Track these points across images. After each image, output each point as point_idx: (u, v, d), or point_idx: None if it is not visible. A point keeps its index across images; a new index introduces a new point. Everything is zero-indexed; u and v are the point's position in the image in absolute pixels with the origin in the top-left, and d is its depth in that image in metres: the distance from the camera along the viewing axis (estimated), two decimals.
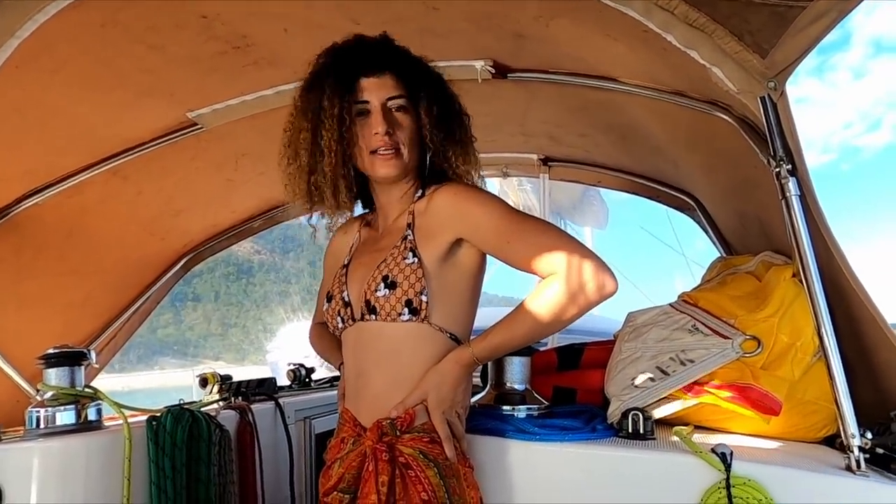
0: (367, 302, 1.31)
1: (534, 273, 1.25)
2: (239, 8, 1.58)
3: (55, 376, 1.63)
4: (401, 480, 1.22)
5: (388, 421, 1.27)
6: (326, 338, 1.70)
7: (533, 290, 1.23)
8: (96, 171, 2.04)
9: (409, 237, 1.33)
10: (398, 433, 1.26)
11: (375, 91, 1.33)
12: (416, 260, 1.29)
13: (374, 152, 1.34)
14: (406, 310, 1.28)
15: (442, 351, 1.30)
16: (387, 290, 1.29)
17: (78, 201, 2.11)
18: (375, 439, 1.25)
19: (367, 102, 1.33)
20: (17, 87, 1.57)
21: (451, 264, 1.33)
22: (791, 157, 1.22)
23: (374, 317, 1.31)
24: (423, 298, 1.28)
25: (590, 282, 1.17)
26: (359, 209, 1.56)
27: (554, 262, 1.20)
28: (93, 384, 1.74)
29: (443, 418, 1.27)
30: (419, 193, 1.40)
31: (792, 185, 1.22)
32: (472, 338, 1.35)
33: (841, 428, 1.19)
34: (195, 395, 2.28)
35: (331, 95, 1.32)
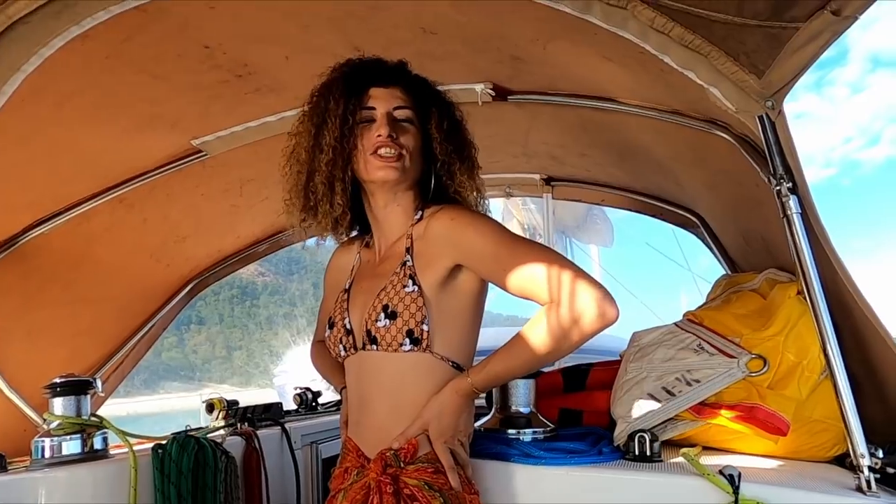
0: (368, 332, 1.31)
1: (532, 300, 1.23)
2: (240, 37, 1.60)
3: (61, 405, 1.64)
4: None
5: (392, 452, 1.26)
6: (328, 357, 1.67)
7: (534, 316, 1.22)
8: (102, 200, 2.06)
9: (408, 263, 1.32)
10: (402, 464, 1.25)
11: (384, 100, 1.35)
12: (416, 288, 1.28)
13: (374, 153, 1.31)
14: (407, 339, 1.27)
15: (443, 379, 1.29)
16: (387, 321, 1.27)
17: (84, 230, 2.13)
18: (379, 471, 1.24)
19: (373, 109, 1.34)
20: (23, 119, 1.59)
21: (451, 290, 1.31)
22: (791, 174, 1.22)
23: (375, 347, 1.30)
24: (425, 328, 1.27)
25: (590, 310, 1.15)
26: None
27: (553, 289, 1.18)
28: (98, 412, 1.74)
29: (445, 448, 1.26)
30: (418, 215, 1.38)
31: (793, 203, 1.22)
32: (474, 363, 1.34)
33: (850, 447, 1.17)
34: (202, 420, 2.28)
35: (337, 97, 1.34)
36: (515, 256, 1.24)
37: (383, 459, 1.25)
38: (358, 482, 1.29)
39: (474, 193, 1.41)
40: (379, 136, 1.31)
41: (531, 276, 1.21)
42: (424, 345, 1.27)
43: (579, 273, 1.19)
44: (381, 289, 1.31)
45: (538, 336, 1.19)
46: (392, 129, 1.31)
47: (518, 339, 1.23)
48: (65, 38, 1.35)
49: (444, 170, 1.36)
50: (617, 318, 1.16)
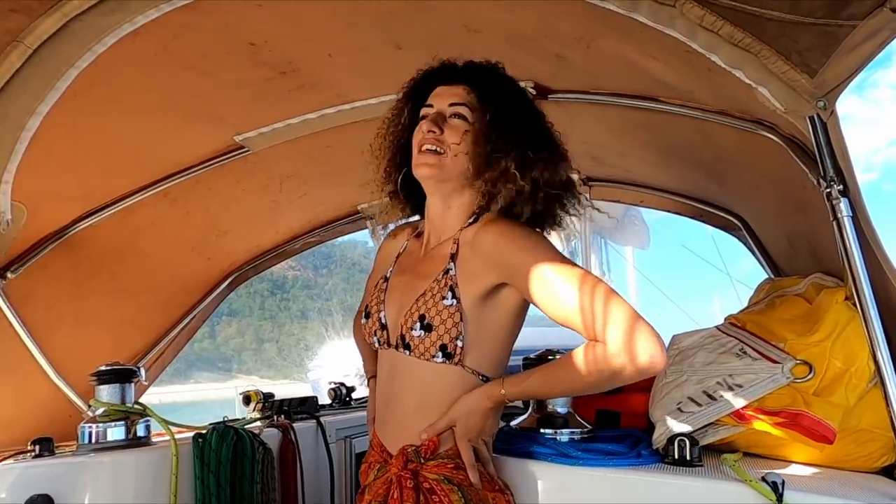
0: (402, 337, 1.30)
1: (577, 331, 1.19)
2: (285, 34, 1.62)
3: (106, 393, 1.69)
4: None
5: (413, 448, 1.27)
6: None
7: (581, 348, 1.18)
8: (147, 194, 2.11)
9: (450, 272, 1.29)
10: (422, 460, 1.26)
11: (443, 97, 1.36)
12: (454, 302, 1.26)
13: (419, 150, 1.33)
14: (440, 353, 1.26)
15: (471, 389, 1.29)
16: (422, 332, 1.27)
17: (129, 222, 2.18)
18: (401, 466, 1.25)
19: (431, 106, 1.36)
20: (75, 114, 1.64)
21: (492, 306, 1.29)
22: (842, 177, 1.19)
23: (407, 352, 1.30)
24: (458, 343, 1.26)
25: (640, 357, 1.10)
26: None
27: (603, 327, 1.13)
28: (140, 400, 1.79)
29: (468, 445, 1.26)
30: (471, 219, 1.36)
31: (844, 206, 1.19)
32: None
33: None
34: (237, 412, 2.32)
35: (404, 98, 1.41)
36: (565, 286, 1.18)
37: (405, 455, 1.27)
38: (380, 477, 1.30)
39: (535, 200, 1.30)
40: (422, 130, 1.33)
41: (581, 309, 1.15)
42: (457, 360, 1.27)
43: (631, 314, 1.13)
44: (419, 294, 1.30)
45: (583, 369, 1.16)
46: (437, 125, 1.31)
47: (562, 366, 1.21)
48: (117, 35, 1.39)
49: (484, 163, 1.29)
50: (663, 366, 1.12)
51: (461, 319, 1.25)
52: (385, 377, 1.39)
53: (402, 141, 1.38)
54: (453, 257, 1.31)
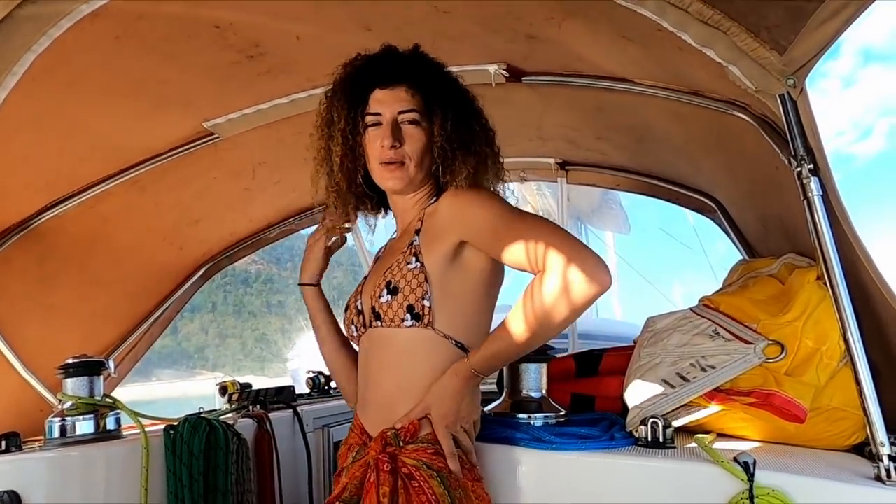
0: (373, 308, 1.32)
1: (526, 270, 1.21)
2: (251, 17, 1.58)
3: (74, 386, 1.65)
4: (404, 491, 1.20)
5: (392, 431, 1.26)
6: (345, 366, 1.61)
7: (528, 285, 1.19)
8: (115, 182, 2.07)
9: (414, 242, 1.32)
10: (401, 444, 1.25)
11: (388, 104, 1.33)
12: (418, 265, 1.28)
13: (381, 163, 1.34)
14: (408, 315, 1.27)
15: (449, 359, 1.28)
16: (389, 296, 1.29)
17: (98, 212, 2.13)
18: (379, 450, 1.24)
19: (378, 114, 1.34)
20: (35, 100, 1.59)
21: (457, 268, 1.31)
22: (812, 156, 1.19)
23: (379, 323, 1.31)
24: (426, 303, 1.27)
25: (582, 276, 1.12)
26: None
27: (545, 258, 1.16)
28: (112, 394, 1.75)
29: (447, 433, 1.25)
30: (433, 200, 1.39)
31: (814, 185, 1.19)
32: None
33: (869, 436, 1.15)
34: (217, 403, 2.29)
35: (340, 109, 1.35)
36: (512, 229, 1.23)
37: (383, 438, 1.26)
38: (359, 460, 1.30)
39: (477, 179, 1.37)
40: (382, 146, 1.32)
41: (524, 246, 1.19)
42: (426, 321, 1.27)
43: (572, 241, 1.18)
44: (387, 268, 1.33)
45: (532, 306, 1.17)
46: (395, 138, 1.32)
47: (514, 313, 1.20)
48: (73, 17, 1.34)
49: (444, 167, 1.34)
50: (610, 283, 1.13)
51: (426, 280, 1.27)
52: (363, 359, 1.40)
53: (348, 145, 1.35)
54: (417, 231, 1.34)
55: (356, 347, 1.48)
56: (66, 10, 1.31)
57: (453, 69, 1.45)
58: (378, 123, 1.34)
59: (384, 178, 1.36)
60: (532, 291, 1.17)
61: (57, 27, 1.33)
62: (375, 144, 1.33)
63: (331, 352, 1.57)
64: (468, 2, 1.54)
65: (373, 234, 1.59)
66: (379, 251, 1.58)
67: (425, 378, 1.28)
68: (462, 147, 1.33)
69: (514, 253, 1.21)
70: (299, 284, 1.58)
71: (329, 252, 1.57)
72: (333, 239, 1.56)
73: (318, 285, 1.58)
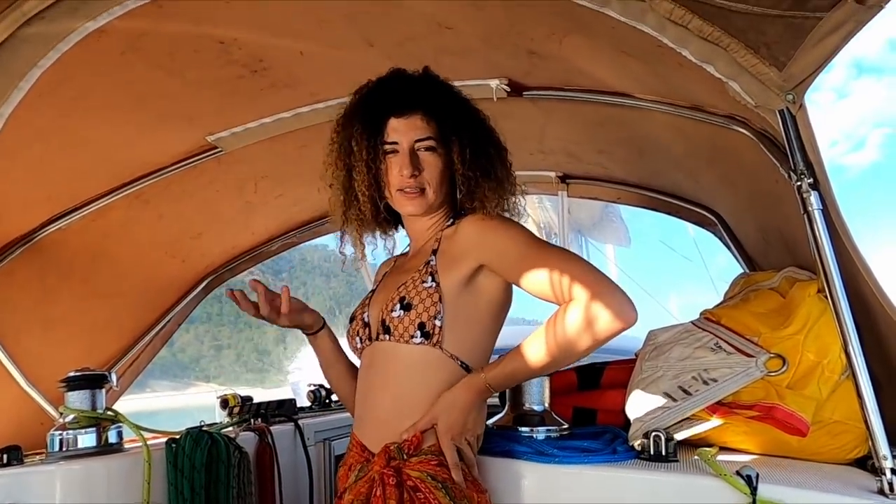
0: (383, 321, 1.32)
1: (552, 301, 1.23)
2: (255, 32, 1.60)
3: (76, 399, 1.65)
4: None
5: (395, 445, 1.26)
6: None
7: (553, 313, 1.22)
8: (118, 196, 2.08)
9: (431, 262, 1.33)
10: (405, 457, 1.25)
11: (404, 132, 1.34)
12: (434, 284, 1.30)
13: (399, 190, 1.36)
14: (418, 332, 1.27)
15: (451, 378, 1.29)
16: (402, 311, 1.29)
17: (100, 225, 2.14)
18: (383, 464, 1.24)
19: (395, 143, 1.35)
20: (40, 115, 1.60)
21: (471, 292, 1.32)
22: (812, 170, 1.20)
23: (387, 336, 1.32)
24: (437, 323, 1.27)
25: (608, 311, 1.15)
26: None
27: (573, 290, 1.18)
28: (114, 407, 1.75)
29: (451, 444, 1.25)
30: (450, 222, 1.41)
31: (814, 199, 1.19)
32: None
33: (872, 449, 1.14)
34: (217, 416, 2.29)
35: (359, 139, 1.36)
36: (540, 258, 1.25)
37: (387, 453, 1.26)
38: (362, 477, 1.29)
39: (501, 206, 1.39)
40: (402, 175, 1.34)
41: (552, 277, 1.21)
42: (435, 340, 1.28)
43: (601, 276, 1.20)
44: (401, 283, 1.34)
45: (556, 334, 1.19)
46: (413, 167, 1.33)
47: (535, 336, 1.22)
48: (81, 33, 1.35)
49: (468, 195, 1.36)
50: (635, 321, 1.16)
51: (440, 300, 1.28)
52: (364, 374, 1.39)
53: (371, 174, 1.36)
54: (434, 252, 1.36)
55: (357, 360, 1.49)
56: (73, 27, 1.33)
57: (455, 84, 1.46)
58: (395, 151, 1.35)
59: (403, 205, 1.38)
60: (557, 320, 1.19)
61: (65, 42, 1.35)
62: (394, 172, 1.35)
63: (345, 379, 1.58)
64: (470, 18, 1.55)
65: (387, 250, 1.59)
66: (384, 270, 1.58)
67: (426, 395, 1.28)
68: (483, 174, 1.35)
69: (540, 283, 1.23)
70: (308, 335, 1.57)
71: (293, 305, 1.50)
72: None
73: (325, 325, 1.57)
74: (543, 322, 1.24)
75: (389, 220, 1.50)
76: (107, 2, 1.32)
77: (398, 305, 1.30)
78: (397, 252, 1.58)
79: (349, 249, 1.52)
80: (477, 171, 1.35)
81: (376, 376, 1.35)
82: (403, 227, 1.52)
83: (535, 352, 1.22)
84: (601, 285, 1.18)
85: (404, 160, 1.33)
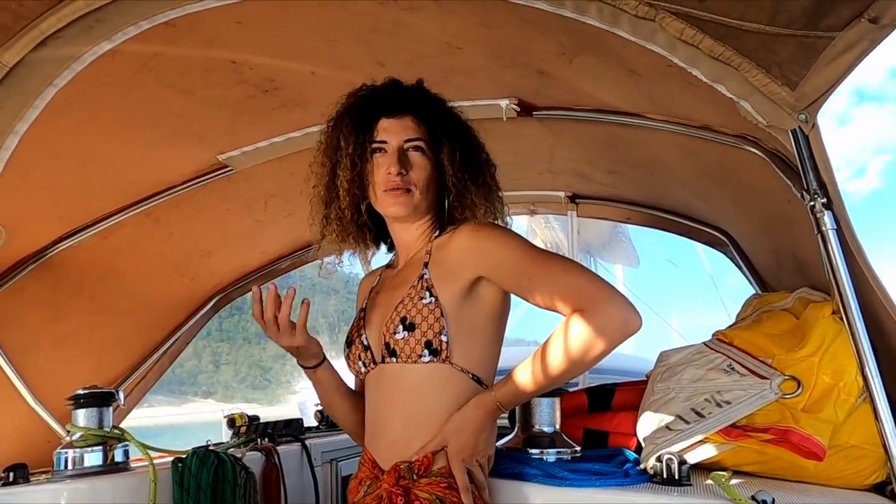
0: (387, 345, 1.30)
1: (556, 311, 1.22)
2: (267, 52, 1.61)
3: (84, 417, 1.65)
4: None
5: (406, 464, 1.25)
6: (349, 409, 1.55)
7: (559, 324, 1.20)
8: (129, 214, 2.09)
9: (425, 276, 1.31)
10: (415, 477, 1.23)
11: (394, 132, 1.35)
12: (433, 299, 1.28)
13: (385, 190, 1.34)
14: (426, 351, 1.26)
15: (464, 391, 1.28)
16: (405, 332, 1.27)
17: (111, 243, 2.15)
18: (392, 482, 1.23)
19: (384, 142, 1.35)
20: (54, 132, 1.62)
21: (471, 303, 1.31)
22: (825, 189, 1.19)
23: (394, 359, 1.30)
24: (443, 339, 1.26)
25: (614, 319, 1.14)
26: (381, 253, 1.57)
27: (577, 299, 1.18)
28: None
29: (462, 467, 1.23)
30: (436, 233, 1.40)
31: (828, 219, 1.18)
32: (496, 379, 1.32)
33: (891, 474, 1.12)
34: (224, 435, 2.28)
35: (347, 135, 1.35)
36: (541, 268, 1.24)
37: (397, 472, 1.24)
38: (371, 493, 1.28)
39: (490, 215, 1.38)
40: (389, 173, 1.33)
41: (555, 286, 1.21)
42: (444, 356, 1.26)
43: (603, 284, 1.20)
44: (398, 301, 1.31)
45: (563, 345, 1.18)
46: (401, 165, 1.32)
47: (542, 350, 1.21)
48: (96, 52, 1.37)
49: (458, 199, 1.35)
50: (640, 327, 1.16)
51: (442, 315, 1.27)
52: (373, 395, 1.37)
53: (356, 170, 1.35)
54: (426, 264, 1.33)
55: (353, 383, 1.48)
56: (88, 46, 1.34)
57: (465, 104, 1.48)
58: (383, 150, 1.35)
59: (387, 205, 1.35)
60: (565, 330, 1.18)
61: (79, 61, 1.36)
62: (381, 171, 1.34)
63: (346, 405, 1.52)
64: (479, 38, 1.56)
65: (368, 266, 1.57)
66: (368, 286, 1.53)
67: (440, 411, 1.27)
68: (472, 179, 1.34)
69: (543, 292, 1.22)
70: (307, 368, 1.44)
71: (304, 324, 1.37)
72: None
73: (325, 357, 1.46)
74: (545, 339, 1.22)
75: (370, 227, 1.46)
76: (122, 22, 1.33)
77: (400, 326, 1.28)
78: (375, 265, 1.55)
79: (329, 257, 1.49)
80: (466, 176, 1.34)
81: (386, 397, 1.33)
82: (385, 241, 1.51)
83: (545, 364, 1.20)
84: (605, 292, 1.17)
85: (392, 158, 1.33)
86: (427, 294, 1.28)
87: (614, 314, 1.15)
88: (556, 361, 1.19)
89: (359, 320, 1.43)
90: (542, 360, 1.20)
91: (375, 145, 1.35)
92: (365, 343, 1.38)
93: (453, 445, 1.24)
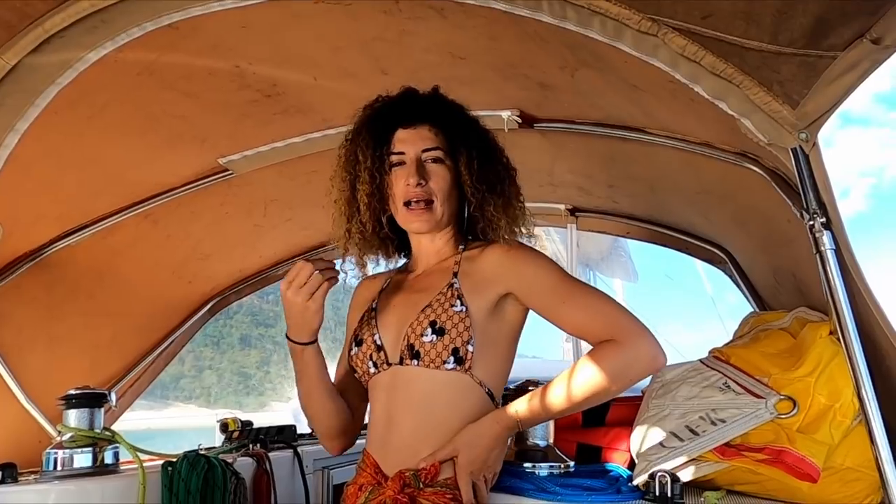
0: (411, 346, 1.28)
1: (583, 337, 1.26)
2: (271, 57, 1.62)
3: (75, 418, 1.64)
4: None
5: (412, 472, 1.23)
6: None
7: (591, 350, 1.23)
8: (128, 215, 2.09)
9: (455, 285, 1.31)
10: (421, 485, 1.22)
11: (412, 143, 1.35)
12: (464, 308, 1.28)
13: (406, 205, 1.34)
14: (452, 358, 1.25)
15: (476, 404, 1.28)
16: (434, 336, 1.26)
17: (109, 244, 2.14)
18: (397, 490, 1.21)
19: (402, 154, 1.35)
20: (55, 132, 1.62)
21: (497, 318, 1.32)
22: (825, 209, 1.18)
23: (416, 362, 1.28)
24: (470, 348, 1.25)
25: (645, 354, 1.18)
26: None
27: (610, 329, 1.21)
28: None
29: (469, 480, 1.22)
30: (463, 245, 1.41)
31: (827, 239, 1.18)
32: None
33: (886, 498, 1.11)
34: (216, 440, 2.26)
35: (365, 148, 1.35)
36: (575, 294, 1.28)
37: (402, 479, 1.23)
38: (373, 499, 1.25)
39: (514, 227, 1.38)
40: (408, 185, 1.33)
41: (588, 314, 1.25)
42: (467, 365, 1.26)
43: (634, 318, 1.23)
44: (426, 305, 1.30)
45: (592, 373, 1.19)
46: (421, 175, 1.33)
47: (567, 374, 1.22)
48: (99, 52, 1.37)
49: (478, 210, 1.36)
50: (664, 365, 1.21)
51: (471, 325, 1.27)
52: (383, 397, 1.34)
53: (375, 184, 1.35)
54: (455, 274, 1.34)
55: (349, 382, 1.45)
56: (91, 47, 1.34)
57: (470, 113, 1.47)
58: (402, 163, 1.35)
59: (410, 221, 1.36)
60: (595, 359, 1.20)
61: (82, 61, 1.36)
62: (400, 183, 1.34)
63: (327, 402, 1.43)
64: (483, 49, 1.56)
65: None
66: (373, 287, 1.50)
67: (452, 421, 1.26)
68: (491, 189, 1.34)
69: (576, 318, 1.27)
70: (299, 344, 1.35)
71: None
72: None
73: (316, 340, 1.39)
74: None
75: (392, 237, 1.46)
76: (125, 24, 1.33)
77: (429, 329, 1.26)
78: (372, 271, 1.53)
79: (349, 266, 1.45)
80: (485, 185, 1.34)
81: (400, 400, 1.30)
82: (404, 251, 1.51)
83: (569, 389, 1.21)
84: (637, 327, 1.21)
85: (411, 169, 1.33)
86: (458, 302, 1.28)
87: (646, 350, 1.19)
88: (584, 387, 1.20)
89: (370, 320, 1.39)
90: (567, 385, 1.21)
91: (393, 157, 1.35)
92: (378, 343, 1.35)
93: (464, 457, 1.23)
